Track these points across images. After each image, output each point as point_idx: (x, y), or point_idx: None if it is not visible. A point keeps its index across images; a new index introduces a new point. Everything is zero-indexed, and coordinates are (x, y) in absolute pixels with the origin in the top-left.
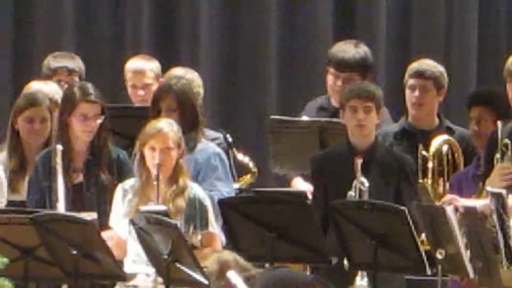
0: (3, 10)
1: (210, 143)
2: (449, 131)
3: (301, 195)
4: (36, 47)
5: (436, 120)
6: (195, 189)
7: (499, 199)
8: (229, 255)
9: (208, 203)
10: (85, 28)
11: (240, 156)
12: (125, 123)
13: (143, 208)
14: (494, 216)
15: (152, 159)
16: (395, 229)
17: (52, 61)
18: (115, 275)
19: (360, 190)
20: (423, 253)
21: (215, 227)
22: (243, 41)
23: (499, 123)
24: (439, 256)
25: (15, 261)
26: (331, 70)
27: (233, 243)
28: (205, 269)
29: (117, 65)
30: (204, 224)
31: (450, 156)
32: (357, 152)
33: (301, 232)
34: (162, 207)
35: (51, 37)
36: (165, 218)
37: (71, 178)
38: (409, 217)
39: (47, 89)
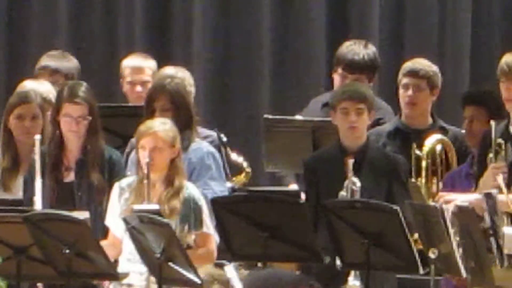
0: None
1: (203, 142)
2: (443, 130)
3: (294, 194)
4: (30, 47)
5: (430, 120)
6: (190, 189)
7: (490, 199)
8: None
9: (202, 203)
10: (78, 28)
11: (234, 156)
12: (118, 122)
13: (136, 207)
14: (486, 216)
15: (143, 158)
16: (388, 229)
17: (40, 60)
18: (107, 274)
19: (352, 190)
20: (416, 253)
21: (209, 227)
22: (235, 41)
23: (492, 123)
24: (431, 256)
25: (8, 260)
26: (339, 70)
27: (225, 242)
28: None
29: (111, 64)
30: (199, 224)
31: (443, 156)
32: (348, 152)
33: (294, 231)
34: (154, 206)
35: (45, 37)
36: (158, 217)
37: (63, 176)
38: (401, 217)
39: (41, 88)
